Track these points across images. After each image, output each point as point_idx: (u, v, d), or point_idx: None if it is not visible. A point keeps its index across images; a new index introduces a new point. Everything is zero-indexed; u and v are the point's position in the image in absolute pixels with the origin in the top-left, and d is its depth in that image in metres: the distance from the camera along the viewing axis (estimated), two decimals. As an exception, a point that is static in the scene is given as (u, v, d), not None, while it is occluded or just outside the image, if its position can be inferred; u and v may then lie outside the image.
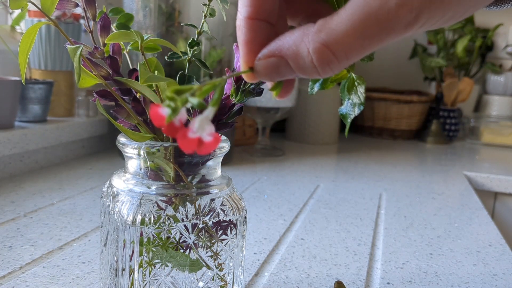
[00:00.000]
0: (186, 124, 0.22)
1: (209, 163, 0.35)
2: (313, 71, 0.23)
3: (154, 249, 0.33)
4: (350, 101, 0.29)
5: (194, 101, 0.22)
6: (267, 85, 0.28)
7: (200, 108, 0.22)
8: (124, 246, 0.33)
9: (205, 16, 0.37)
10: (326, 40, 0.22)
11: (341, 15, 0.22)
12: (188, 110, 0.36)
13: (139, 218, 0.33)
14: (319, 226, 0.62)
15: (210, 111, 0.22)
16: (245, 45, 0.25)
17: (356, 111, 0.29)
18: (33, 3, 0.31)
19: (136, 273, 0.34)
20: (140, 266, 0.34)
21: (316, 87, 0.30)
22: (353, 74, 0.29)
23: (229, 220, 0.35)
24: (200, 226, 0.34)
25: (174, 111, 0.22)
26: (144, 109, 0.34)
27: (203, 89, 0.22)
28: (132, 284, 0.34)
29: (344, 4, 0.23)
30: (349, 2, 0.22)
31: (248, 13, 0.25)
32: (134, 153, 0.34)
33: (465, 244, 0.59)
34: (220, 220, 0.35)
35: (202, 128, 0.22)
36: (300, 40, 0.23)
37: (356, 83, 0.29)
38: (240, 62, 0.26)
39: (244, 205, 0.37)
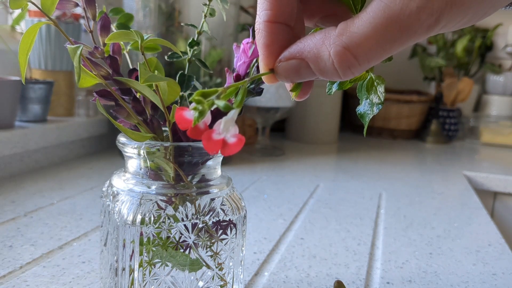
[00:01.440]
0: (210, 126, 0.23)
1: (209, 162, 0.35)
2: (334, 74, 0.24)
3: (154, 249, 0.33)
4: (368, 100, 0.29)
5: (220, 103, 0.22)
6: (286, 86, 0.29)
7: (226, 110, 0.22)
8: (124, 246, 0.33)
9: (205, 16, 0.37)
10: (347, 43, 0.22)
11: (362, 18, 0.22)
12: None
13: (139, 217, 0.33)
14: (319, 226, 0.62)
15: (234, 113, 0.23)
16: (266, 48, 0.25)
17: (375, 111, 0.29)
18: (33, 3, 0.31)
19: (136, 272, 0.34)
20: (140, 265, 0.34)
21: (334, 88, 0.31)
22: (372, 74, 0.29)
23: (229, 219, 0.35)
24: (200, 225, 0.34)
25: (201, 113, 0.22)
26: (144, 108, 0.34)
27: (227, 91, 0.23)
28: (132, 283, 0.34)
29: (361, 6, 0.23)
30: (370, 5, 0.22)
31: (267, 17, 0.25)
32: (134, 153, 0.34)
33: (464, 243, 0.59)
34: (220, 219, 0.35)
35: (226, 129, 0.23)
36: (322, 43, 0.23)
37: (375, 83, 0.29)
38: (260, 64, 0.26)
39: (244, 205, 0.37)
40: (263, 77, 0.26)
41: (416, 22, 0.21)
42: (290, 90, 0.28)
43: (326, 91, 0.31)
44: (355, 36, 0.22)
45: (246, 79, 0.25)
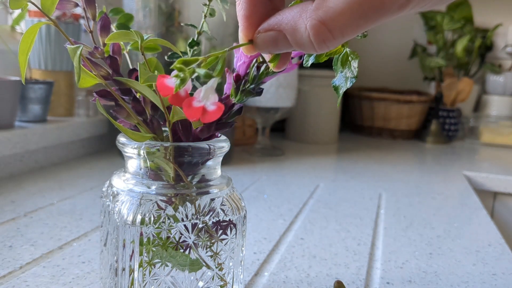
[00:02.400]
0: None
1: (209, 163, 0.35)
2: (310, 46, 0.24)
3: (154, 249, 0.33)
4: (343, 74, 0.30)
5: (201, 71, 0.23)
6: (265, 57, 0.30)
7: (207, 78, 0.23)
8: (124, 246, 0.33)
9: (205, 16, 0.37)
10: (323, 17, 0.23)
11: None
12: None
13: (139, 218, 0.33)
14: (319, 226, 0.62)
15: (213, 81, 0.24)
16: (245, 19, 0.26)
17: (348, 84, 0.30)
18: (33, 3, 0.31)
19: (136, 272, 0.34)
20: (140, 265, 0.34)
21: (311, 60, 0.31)
22: (347, 49, 0.30)
23: (229, 219, 0.35)
24: (200, 226, 0.34)
25: (183, 81, 0.23)
26: (144, 109, 0.34)
27: (208, 60, 0.24)
28: (132, 283, 0.34)
29: None
30: None
31: None
32: (134, 153, 0.34)
33: (464, 243, 0.59)
34: (220, 220, 0.35)
35: (206, 97, 0.23)
36: (299, 16, 0.24)
37: (350, 58, 0.30)
38: (239, 35, 0.27)
39: (244, 205, 0.37)
40: (242, 48, 0.27)
41: (389, 0, 0.22)
42: (268, 61, 0.29)
43: (303, 62, 0.32)
44: (330, 11, 0.23)
45: (226, 49, 0.26)
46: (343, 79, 0.30)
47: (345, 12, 0.23)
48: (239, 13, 0.26)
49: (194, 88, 0.38)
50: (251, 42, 0.27)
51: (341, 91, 0.31)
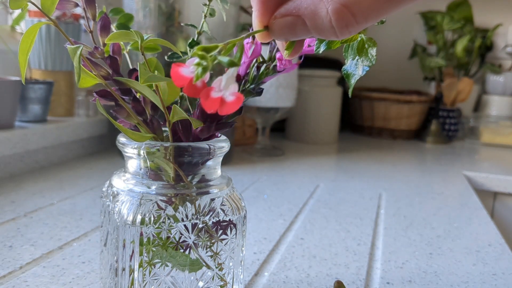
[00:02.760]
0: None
1: (209, 163, 0.35)
2: (330, 32, 0.23)
3: (154, 249, 0.33)
4: (355, 61, 0.29)
5: (224, 59, 0.22)
6: (278, 44, 0.28)
7: (230, 66, 0.22)
8: (124, 246, 0.33)
9: (205, 16, 0.37)
10: (346, 0, 0.22)
11: None
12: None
13: (139, 218, 0.33)
14: (319, 226, 0.62)
15: (235, 70, 0.23)
16: (260, 4, 0.25)
17: (361, 72, 0.29)
18: (33, 3, 0.31)
19: (136, 272, 0.34)
20: (140, 265, 0.34)
21: (323, 47, 0.30)
22: (363, 36, 0.28)
23: (229, 220, 0.35)
24: (200, 226, 0.34)
25: (205, 69, 0.22)
26: (144, 108, 0.34)
27: (227, 47, 0.23)
28: (132, 283, 0.34)
29: None
30: None
31: None
32: (134, 153, 0.34)
33: (464, 243, 0.59)
34: (220, 220, 0.35)
35: (227, 86, 0.22)
36: (319, 0, 0.23)
37: (366, 45, 0.28)
38: (254, 21, 0.26)
39: (244, 205, 0.37)
40: (256, 35, 0.26)
41: None
42: (285, 49, 0.28)
43: (314, 49, 0.30)
44: None
45: (243, 35, 0.25)
46: (355, 66, 0.29)
47: None
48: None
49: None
50: (266, 28, 0.26)
51: (354, 79, 0.29)
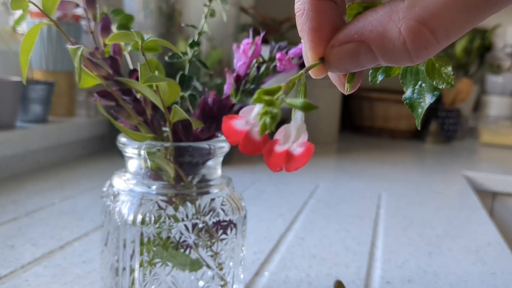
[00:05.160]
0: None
1: (209, 163, 0.36)
2: (404, 57, 0.19)
3: (154, 249, 0.34)
4: (417, 87, 0.24)
5: (297, 102, 0.18)
6: (332, 78, 0.23)
7: (306, 110, 0.18)
8: (124, 246, 0.34)
9: (205, 17, 0.37)
10: (423, 16, 0.18)
11: None
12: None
13: (139, 217, 0.33)
14: (319, 226, 0.62)
15: (302, 115, 0.19)
16: (314, 32, 0.20)
17: (429, 98, 0.23)
18: (34, 4, 0.31)
19: (136, 272, 0.34)
20: (141, 265, 0.34)
21: (380, 76, 0.25)
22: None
23: (229, 219, 0.36)
24: (200, 225, 0.34)
25: (274, 118, 0.18)
26: (144, 109, 0.35)
27: (289, 85, 0.19)
28: (133, 283, 0.34)
29: None
30: None
31: None
32: (134, 153, 0.34)
33: (464, 243, 0.59)
34: (220, 219, 0.35)
35: (298, 137, 0.19)
36: (388, 18, 0.19)
37: (437, 65, 0.23)
38: (307, 54, 0.22)
39: (244, 205, 0.37)
40: (311, 71, 0.22)
41: None
42: (346, 81, 0.23)
43: (370, 80, 0.25)
44: (431, 6, 0.18)
45: (302, 70, 0.20)
46: (418, 93, 0.24)
47: (449, 6, 0.18)
48: (304, 25, 0.21)
49: (195, 88, 0.38)
50: (322, 61, 0.21)
51: (422, 109, 0.24)
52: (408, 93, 0.24)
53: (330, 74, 0.23)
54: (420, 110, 0.24)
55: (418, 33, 0.18)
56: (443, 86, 0.23)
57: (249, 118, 0.18)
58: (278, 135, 0.19)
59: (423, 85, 0.24)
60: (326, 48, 0.21)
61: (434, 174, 1.00)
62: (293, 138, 0.19)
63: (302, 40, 0.21)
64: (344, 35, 0.20)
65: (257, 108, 0.18)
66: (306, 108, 0.18)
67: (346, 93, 0.23)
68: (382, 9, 0.19)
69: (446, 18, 0.18)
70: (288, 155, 0.18)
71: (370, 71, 0.25)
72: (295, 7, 0.21)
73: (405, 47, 0.19)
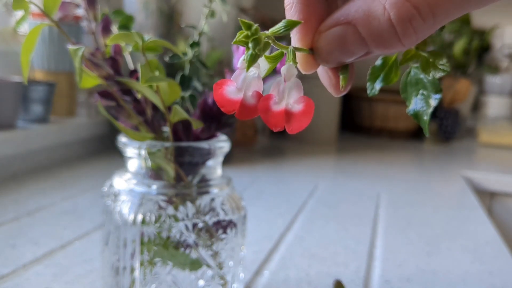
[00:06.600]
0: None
1: (209, 163, 0.36)
2: (391, 35, 0.18)
3: (155, 248, 0.34)
4: (419, 96, 0.23)
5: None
6: (324, 78, 0.22)
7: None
8: (125, 245, 0.34)
9: (206, 18, 0.38)
10: None
11: None
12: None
13: (140, 217, 0.33)
14: (318, 225, 0.62)
15: (292, 68, 0.17)
16: (303, 23, 0.20)
17: (433, 102, 0.23)
18: (35, 4, 0.31)
19: (137, 271, 0.34)
20: (141, 264, 0.34)
21: (378, 85, 0.24)
22: (423, 53, 0.23)
23: (229, 219, 0.36)
24: (201, 225, 0.35)
25: (255, 55, 0.16)
26: (144, 109, 0.35)
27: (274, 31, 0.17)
28: (133, 282, 0.34)
29: None
30: None
31: None
32: (135, 153, 0.34)
33: (462, 242, 0.59)
34: (220, 219, 0.35)
35: (288, 93, 0.17)
36: None
37: (431, 60, 0.23)
38: (296, 45, 0.20)
39: (244, 205, 0.38)
40: (300, 65, 0.21)
41: None
42: (339, 73, 0.21)
43: (368, 92, 0.25)
44: None
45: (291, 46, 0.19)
46: (421, 101, 0.23)
47: None
48: (292, 17, 0.20)
49: (195, 89, 0.38)
50: (311, 51, 0.20)
51: (427, 117, 0.23)
52: (412, 105, 0.24)
53: (320, 74, 0.22)
54: (425, 117, 0.23)
55: (402, 6, 0.18)
56: (440, 75, 0.23)
57: (240, 84, 0.17)
58: (272, 91, 0.18)
59: (425, 92, 0.23)
60: (314, 36, 0.20)
61: (432, 174, 1.00)
62: (281, 91, 0.17)
63: (291, 35, 0.21)
64: (331, 19, 0.20)
65: (243, 60, 0.17)
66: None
67: (337, 95, 0.22)
68: None
69: None
70: (288, 114, 0.17)
71: (368, 83, 0.25)
72: (285, 2, 0.21)
73: (391, 23, 0.18)
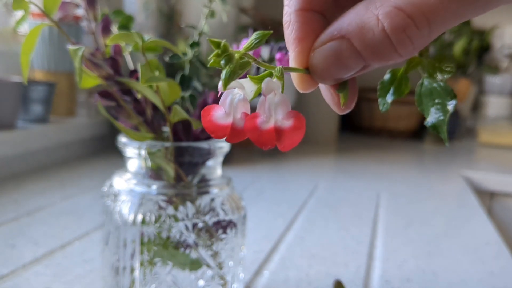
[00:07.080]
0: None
1: (209, 163, 0.36)
2: (387, 46, 0.18)
3: (155, 248, 0.34)
4: (436, 106, 0.23)
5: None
6: (325, 96, 0.21)
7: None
8: (125, 245, 0.34)
9: (206, 18, 0.38)
10: (399, 3, 0.17)
11: None
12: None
13: (140, 217, 0.33)
14: (318, 225, 0.62)
15: (272, 83, 0.17)
16: (299, 42, 0.20)
17: (450, 108, 0.22)
18: (35, 4, 0.31)
19: (137, 271, 0.34)
20: (141, 264, 0.34)
21: (389, 98, 0.24)
22: (425, 59, 0.23)
23: (229, 219, 0.36)
24: (200, 225, 0.35)
25: (233, 71, 0.16)
26: (144, 109, 0.35)
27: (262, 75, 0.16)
28: (133, 282, 0.34)
29: None
30: None
31: (300, 4, 0.20)
32: (134, 153, 0.34)
33: (462, 242, 0.59)
34: (220, 219, 0.35)
35: (274, 109, 0.16)
36: (365, 10, 0.18)
37: (437, 65, 0.22)
38: (291, 64, 0.20)
39: (244, 205, 0.38)
40: (296, 84, 0.20)
41: None
42: (337, 91, 0.21)
43: (380, 107, 0.24)
44: None
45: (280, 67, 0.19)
46: (439, 111, 0.23)
47: None
48: (289, 36, 0.20)
49: (195, 89, 0.38)
50: (307, 71, 0.20)
51: (444, 124, 0.23)
52: (430, 118, 0.23)
53: (323, 91, 0.22)
54: (444, 127, 0.23)
55: (396, 16, 0.17)
56: (447, 77, 0.22)
57: (227, 108, 0.17)
58: (259, 109, 0.17)
59: (439, 100, 0.23)
60: (309, 54, 0.20)
61: (432, 173, 1.00)
62: (274, 109, 0.17)
63: (288, 52, 0.20)
64: (324, 35, 0.19)
65: (231, 94, 0.16)
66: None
67: (340, 113, 0.22)
68: (360, 4, 0.19)
69: (424, 5, 0.17)
70: (278, 131, 0.16)
71: (379, 99, 0.24)
72: (283, 20, 0.21)
73: (385, 34, 0.18)
